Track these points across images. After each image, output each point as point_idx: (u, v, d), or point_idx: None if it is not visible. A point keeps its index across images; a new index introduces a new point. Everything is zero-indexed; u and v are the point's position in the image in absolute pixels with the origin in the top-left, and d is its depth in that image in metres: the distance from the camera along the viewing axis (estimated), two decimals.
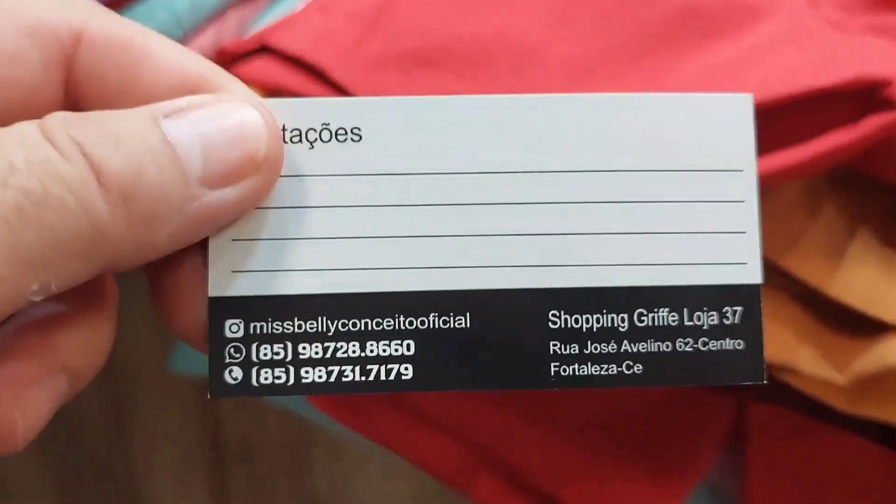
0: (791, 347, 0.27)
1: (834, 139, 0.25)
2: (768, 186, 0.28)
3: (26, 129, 0.14)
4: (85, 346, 0.16)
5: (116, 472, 0.46)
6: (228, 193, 0.15)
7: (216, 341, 0.17)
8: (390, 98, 0.17)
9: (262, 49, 0.30)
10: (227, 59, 0.30)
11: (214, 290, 0.17)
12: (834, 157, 0.25)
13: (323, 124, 0.17)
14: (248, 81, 0.30)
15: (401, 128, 0.17)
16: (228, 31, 0.32)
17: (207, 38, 0.31)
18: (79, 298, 0.17)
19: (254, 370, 0.16)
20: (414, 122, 0.17)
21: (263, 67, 0.29)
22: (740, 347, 0.17)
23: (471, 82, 0.29)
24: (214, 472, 0.44)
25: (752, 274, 0.17)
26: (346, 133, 0.17)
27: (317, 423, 0.35)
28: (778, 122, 0.26)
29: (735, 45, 0.28)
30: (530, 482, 0.32)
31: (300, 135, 0.17)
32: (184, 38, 0.31)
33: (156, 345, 0.42)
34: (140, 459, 0.46)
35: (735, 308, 0.17)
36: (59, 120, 0.14)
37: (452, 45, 0.30)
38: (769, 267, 0.27)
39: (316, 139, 0.17)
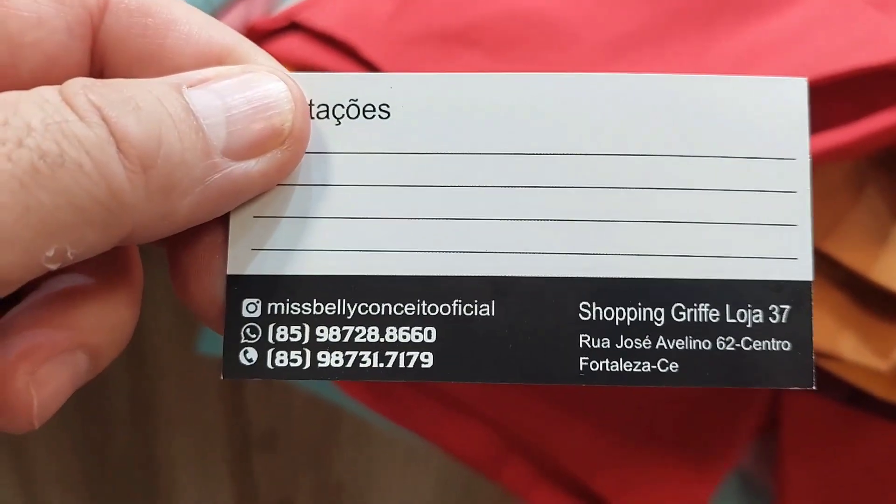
0: (832, 333, 0.27)
1: (881, 120, 0.24)
2: (817, 164, 0.27)
3: (46, 93, 0.13)
4: (106, 323, 0.16)
5: (139, 457, 0.46)
6: (252, 166, 0.15)
7: (232, 321, 0.16)
8: (420, 74, 0.16)
9: (292, 26, 0.29)
10: (257, 36, 0.30)
11: (233, 268, 0.16)
12: (881, 139, 0.25)
13: (351, 100, 0.16)
14: (277, 59, 0.29)
15: (430, 105, 0.16)
16: (257, 9, 0.32)
17: (236, 15, 0.31)
18: (102, 274, 0.16)
19: (269, 352, 0.16)
20: (444, 99, 0.16)
21: (293, 45, 0.29)
22: (787, 349, 0.16)
23: (504, 60, 0.28)
24: (237, 458, 0.44)
25: (802, 270, 0.16)
26: (374, 109, 0.16)
27: (343, 406, 0.35)
28: (823, 101, 0.25)
29: (777, 22, 0.28)
30: (560, 469, 0.31)
31: (327, 110, 0.16)
32: (213, 15, 0.30)
33: (179, 331, 0.42)
34: (162, 445, 0.45)
35: (783, 306, 0.16)
36: (80, 84, 0.14)
37: (486, 22, 0.29)
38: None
39: (343, 115, 0.16)
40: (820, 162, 0.25)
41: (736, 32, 0.28)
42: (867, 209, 0.27)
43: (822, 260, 0.27)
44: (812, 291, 0.16)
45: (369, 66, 0.28)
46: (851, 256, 0.27)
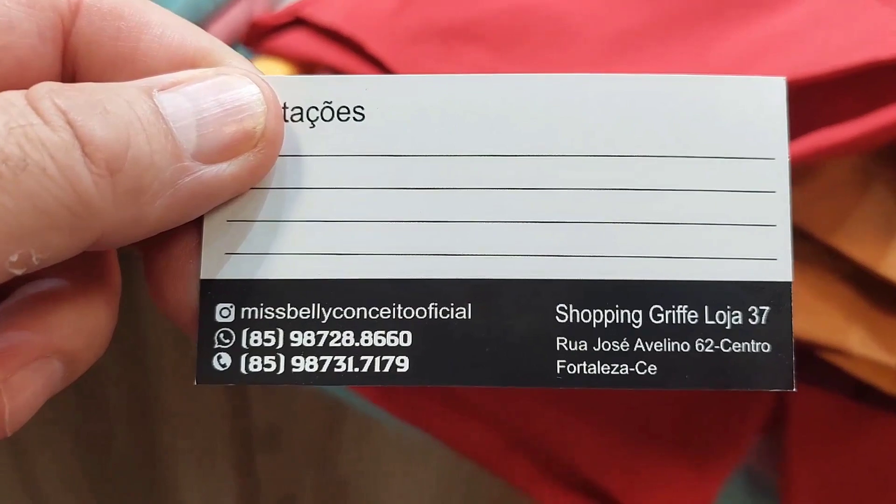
0: (840, 328, 0.26)
1: (888, 115, 0.24)
2: (817, 163, 0.27)
3: (11, 96, 0.13)
4: (83, 329, 0.16)
5: (140, 455, 0.46)
6: (224, 169, 0.15)
7: (206, 326, 0.16)
8: (395, 76, 0.16)
9: (296, 22, 0.29)
10: (261, 31, 0.30)
11: (206, 273, 0.16)
12: (888, 134, 0.25)
13: (325, 102, 0.16)
14: (281, 54, 0.29)
15: (406, 107, 0.16)
16: (260, 5, 0.32)
17: (239, 11, 0.31)
18: (78, 279, 0.16)
19: (243, 357, 0.16)
20: (420, 101, 0.16)
21: (297, 40, 0.29)
22: (766, 350, 0.16)
23: (508, 56, 0.28)
24: (240, 456, 0.44)
25: (781, 270, 0.16)
26: (348, 112, 0.16)
27: (347, 403, 0.35)
28: (830, 96, 0.25)
29: (782, 18, 0.27)
30: (566, 465, 0.31)
31: (301, 113, 0.16)
32: (216, 11, 0.30)
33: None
34: (165, 443, 0.45)
35: (762, 307, 0.16)
36: (47, 88, 0.13)
37: (490, 18, 0.29)
38: (818, 245, 0.27)
39: (318, 118, 0.16)
40: (827, 157, 0.25)
41: (740, 29, 0.28)
42: (875, 204, 0.27)
43: (830, 254, 0.27)
44: (792, 292, 0.16)
45: (374, 62, 0.28)
46: (859, 251, 0.26)
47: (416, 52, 0.28)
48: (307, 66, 0.29)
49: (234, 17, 0.30)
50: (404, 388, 0.31)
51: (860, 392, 0.29)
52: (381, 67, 0.28)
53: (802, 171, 0.27)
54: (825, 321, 0.26)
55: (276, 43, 0.29)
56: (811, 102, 0.24)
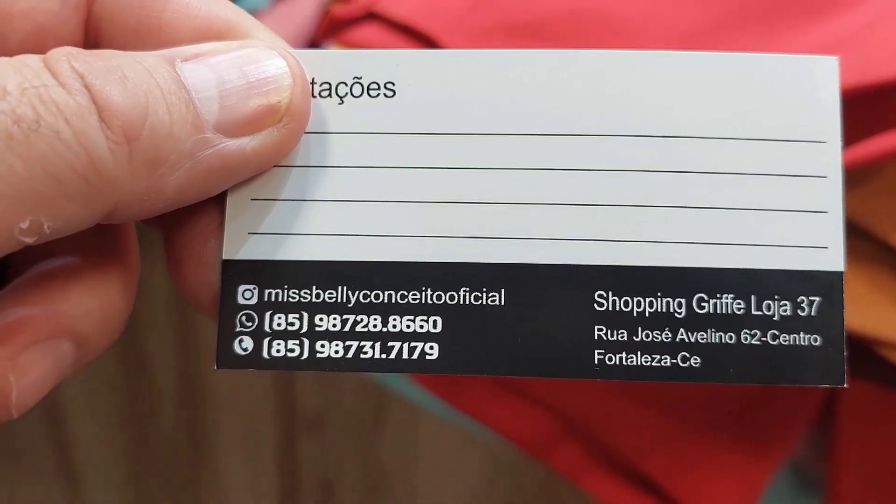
0: (894, 322, 0.27)
1: None
2: (881, 164, 0.28)
3: (28, 59, 0.13)
4: (96, 311, 0.15)
5: (184, 439, 0.46)
6: (247, 143, 0.14)
7: (227, 308, 0.15)
8: (427, 51, 0.16)
9: (370, 16, 0.30)
10: (335, 25, 0.30)
11: (229, 253, 0.15)
12: None
13: (355, 78, 0.16)
14: (358, 47, 0.30)
15: (439, 83, 0.15)
16: None
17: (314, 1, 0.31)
18: (93, 258, 0.15)
19: (265, 341, 0.15)
20: (453, 77, 0.15)
21: (371, 34, 0.29)
22: (816, 343, 0.15)
23: None
24: (283, 440, 0.44)
25: (833, 259, 0.15)
26: (378, 88, 0.16)
27: (393, 387, 0.35)
28: (890, 100, 0.26)
29: (842, 21, 0.28)
30: (614, 452, 0.31)
31: (330, 89, 0.16)
32: None
33: None
34: (208, 425, 0.46)
35: (812, 298, 0.15)
36: (65, 52, 0.13)
37: (555, 18, 0.30)
38: (876, 244, 0.27)
39: (346, 94, 0.16)
40: (889, 161, 0.26)
41: (801, 31, 0.28)
42: None
43: (889, 253, 0.27)
44: (843, 283, 0.15)
45: None
46: None
47: (484, 48, 0.29)
48: None
49: (309, 10, 0.31)
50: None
51: None
52: None
53: (861, 170, 0.27)
54: (881, 315, 0.27)
55: (350, 36, 0.29)
56: (873, 106, 0.24)
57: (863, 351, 0.28)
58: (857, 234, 0.27)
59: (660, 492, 0.31)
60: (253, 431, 0.46)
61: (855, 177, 0.27)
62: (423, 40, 0.29)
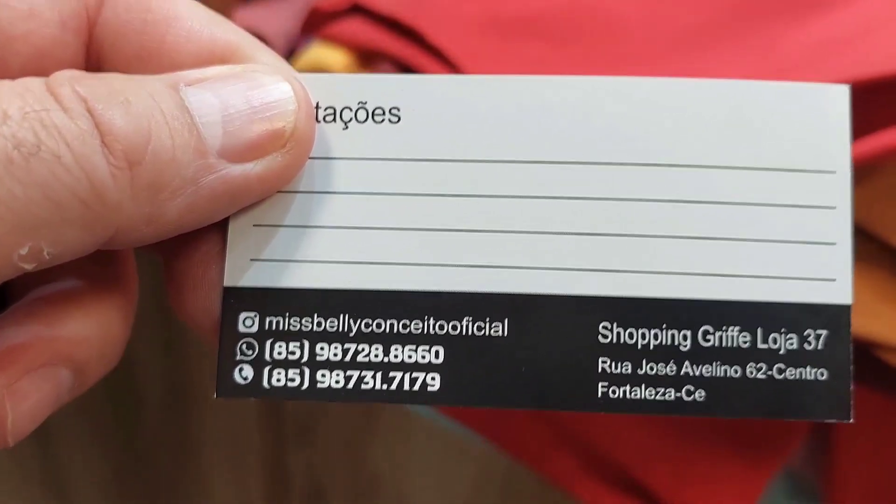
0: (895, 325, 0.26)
1: None
2: (880, 163, 0.27)
3: (30, 82, 0.13)
4: (94, 337, 0.15)
5: (169, 445, 0.46)
6: (251, 169, 0.14)
7: (228, 335, 0.15)
8: (432, 76, 0.16)
9: (355, 9, 0.29)
10: (320, 18, 0.29)
11: (230, 280, 0.15)
12: None
13: (359, 102, 0.15)
14: (340, 41, 0.29)
15: (444, 109, 0.15)
16: None
17: None
18: (92, 285, 0.15)
19: (266, 370, 0.15)
20: (458, 102, 0.15)
21: (356, 27, 0.29)
22: (823, 378, 0.15)
23: (567, 52, 0.28)
24: (272, 448, 0.44)
25: (840, 292, 0.15)
26: (383, 113, 0.15)
27: None
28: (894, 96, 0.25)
29: (844, 15, 0.27)
30: (608, 461, 0.31)
31: (334, 113, 0.15)
32: None
33: None
34: (194, 433, 0.45)
35: (819, 331, 0.15)
36: (67, 76, 0.13)
37: (550, 13, 0.29)
38: (879, 245, 0.27)
39: (351, 119, 0.15)
40: (891, 158, 0.25)
41: (802, 26, 0.28)
42: None
43: (892, 254, 0.27)
44: (851, 316, 0.15)
45: (435, 53, 0.28)
46: None
47: (477, 45, 0.28)
48: (365, 54, 0.29)
49: (294, 4, 0.30)
50: None
51: None
52: (441, 58, 0.28)
53: (865, 170, 0.27)
54: (882, 318, 0.26)
55: (334, 29, 0.29)
56: (877, 102, 0.24)
57: (861, 354, 0.27)
58: (859, 235, 0.26)
59: (654, 500, 0.30)
60: (241, 438, 0.45)
61: (857, 176, 0.26)
62: (409, 34, 0.28)
